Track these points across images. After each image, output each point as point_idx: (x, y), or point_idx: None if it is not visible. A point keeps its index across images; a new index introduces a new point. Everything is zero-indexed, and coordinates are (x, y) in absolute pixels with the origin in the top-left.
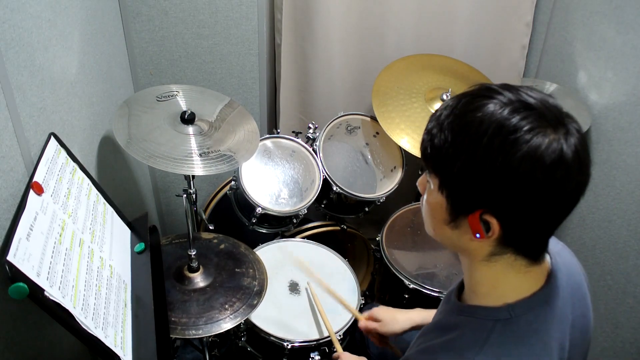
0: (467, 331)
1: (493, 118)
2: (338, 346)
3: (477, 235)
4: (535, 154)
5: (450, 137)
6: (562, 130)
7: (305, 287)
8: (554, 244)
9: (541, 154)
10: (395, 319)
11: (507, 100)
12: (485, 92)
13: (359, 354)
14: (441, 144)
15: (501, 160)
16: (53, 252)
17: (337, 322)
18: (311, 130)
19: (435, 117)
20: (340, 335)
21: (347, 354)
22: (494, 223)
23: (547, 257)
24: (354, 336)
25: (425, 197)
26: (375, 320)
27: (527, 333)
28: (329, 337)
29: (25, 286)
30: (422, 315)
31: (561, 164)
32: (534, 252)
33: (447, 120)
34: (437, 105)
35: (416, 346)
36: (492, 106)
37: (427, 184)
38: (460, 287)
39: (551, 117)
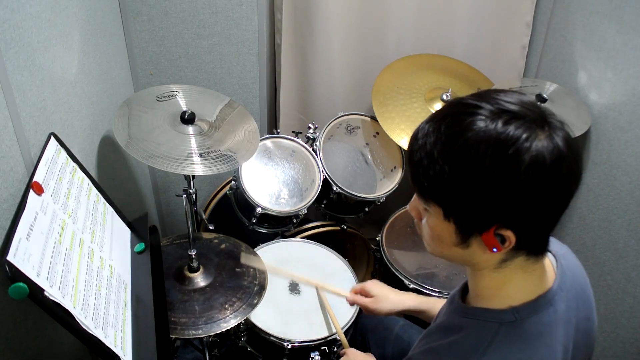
0: (472, 333)
1: (486, 136)
2: (345, 342)
3: (494, 249)
4: (537, 161)
5: (447, 166)
6: (548, 128)
7: (310, 288)
8: (559, 246)
9: (543, 159)
10: (387, 298)
11: (490, 113)
12: (463, 108)
13: None
14: (439, 175)
15: (507, 177)
16: (53, 252)
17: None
18: (311, 130)
19: (419, 147)
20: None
21: (353, 350)
22: (509, 234)
23: (553, 260)
24: (354, 337)
25: (424, 222)
26: (367, 295)
27: (532, 336)
28: (328, 336)
29: (25, 286)
30: (416, 301)
31: (561, 161)
32: (541, 248)
33: (435, 149)
34: (437, 105)
35: (420, 347)
36: (479, 123)
37: (424, 211)
38: (464, 288)
39: (536, 117)
